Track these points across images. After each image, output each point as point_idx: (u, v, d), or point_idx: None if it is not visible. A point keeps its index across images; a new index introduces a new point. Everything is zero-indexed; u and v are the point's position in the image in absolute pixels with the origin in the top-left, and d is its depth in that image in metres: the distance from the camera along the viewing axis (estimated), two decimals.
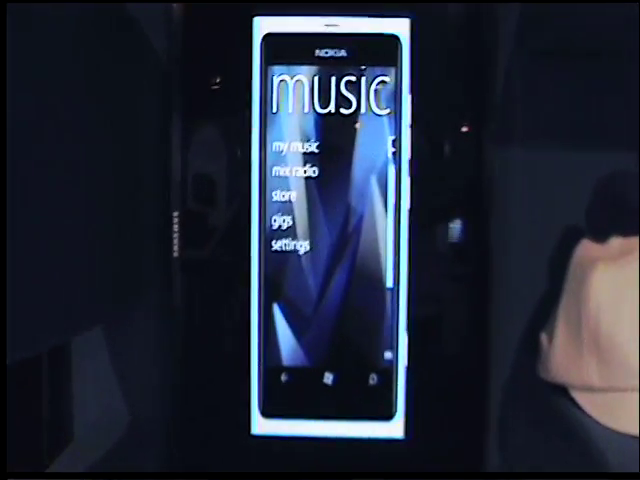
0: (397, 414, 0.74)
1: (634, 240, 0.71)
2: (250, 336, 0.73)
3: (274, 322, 0.73)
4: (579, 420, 0.65)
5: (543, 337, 0.72)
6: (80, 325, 0.70)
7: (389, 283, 0.73)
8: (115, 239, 0.73)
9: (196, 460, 0.77)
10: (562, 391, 0.69)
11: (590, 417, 0.65)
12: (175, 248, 0.74)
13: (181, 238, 0.74)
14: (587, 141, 0.78)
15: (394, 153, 0.73)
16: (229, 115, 0.74)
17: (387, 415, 0.74)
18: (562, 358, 0.69)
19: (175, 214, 0.74)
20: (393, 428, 0.74)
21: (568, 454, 0.68)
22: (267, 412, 0.75)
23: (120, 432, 0.78)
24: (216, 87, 0.74)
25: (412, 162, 0.73)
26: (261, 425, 0.75)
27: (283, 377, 0.74)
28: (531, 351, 0.74)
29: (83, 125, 0.65)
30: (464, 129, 0.75)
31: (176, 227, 0.74)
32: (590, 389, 0.66)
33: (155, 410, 0.79)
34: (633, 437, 0.62)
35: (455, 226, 0.75)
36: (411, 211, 0.73)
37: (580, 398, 0.67)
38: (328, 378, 0.73)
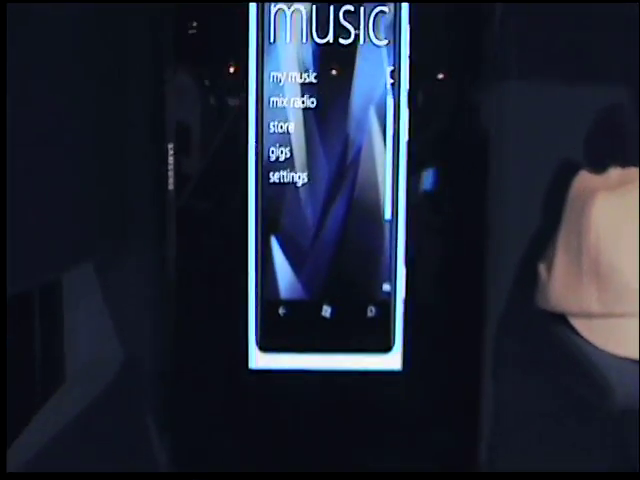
0: (395, 346, 0.74)
1: (633, 170, 0.70)
2: (247, 269, 0.72)
3: (272, 255, 0.72)
4: (579, 347, 0.65)
5: (541, 267, 0.72)
6: (71, 260, 0.69)
7: (387, 215, 0.72)
8: (106, 173, 0.72)
9: (193, 397, 0.76)
10: (561, 319, 0.68)
11: (590, 343, 0.65)
12: (170, 181, 0.73)
13: (176, 170, 0.72)
14: (584, 75, 0.77)
15: (392, 84, 0.71)
16: (226, 45, 0.72)
17: (385, 347, 0.74)
18: (561, 287, 0.68)
19: (170, 146, 0.72)
20: (391, 360, 0.74)
21: (567, 380, 0.68)
22: (265, 346, 0.74)
23: (113, 372, 0.77)
24: (213, 17, 0.72)
25: (411, 94, 0.71)
26: (259, 359, 0.74)
27: (281, 310, 0.73)
28: (528, 282, 0.73)
29: (72, 63, 0.63)
30: (461, 63, 0.74)
31: (171, 160, 0.72)
32: (589, 316, 0.66)
33: (149, 349, 0.78)
34: (633, 361, 0.62)
35: (452, 159, 0.74)
36: (410, 143, 0.72)
37: (579, 325, 0.67)
38: (326, 311, 0.73)
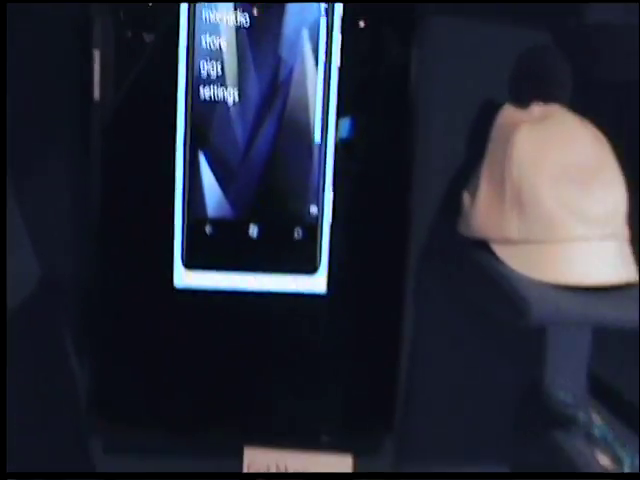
0: (320, 269, 0.74)
1: (555, 107, 0.72)
2: (174, 185, 0.71)
3: (199, 172, 0.71)
4: (499, 271, 0.67)
5: (465, 196, 0.73)
6: None
7: (317, 138, 0.72)
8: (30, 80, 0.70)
9: (119, 314, 0.75)
10: (482, 246, 0.70)
11: (509, 268, 0.66)
12: (96, 89, 0.70)
13: (102, 78, 0.70)
14: (508, 16, 0.77)
15: (327, 8, 0.71)
16: None
17: (311, 269, 0.74)
18: (484, 214, 0.70)
19: (97, 52, 0.70)
20: (316, 282, 0.74)
21: (486, 301, 0.70)
22: (191, 264, 0.73)
23: (30, 290, 0.75)
24: None
25: (344, 18, 0.71)
26: (184, 277, 0.74)
27: (207, 229, 0.72)
28: (452, 210, 0.75)
29: None
30: None
31: (97, 67, 0.70)
32: (510, 242, 0.68)
33: (70, 266, 0.76)
34: (553, 286, 0.64)
35: (381, 87, 0.74)
36: (341, 69, 0.71)
37: (500, 251, 0.68)
38: (253, 231, 0.72)
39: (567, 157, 0.67)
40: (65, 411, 0.79)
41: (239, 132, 0.71)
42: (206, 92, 0.70)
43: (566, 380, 0.84)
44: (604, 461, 0.76)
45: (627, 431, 0.79)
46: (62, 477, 0.61)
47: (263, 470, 0.74)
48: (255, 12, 0.70)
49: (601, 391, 0.84)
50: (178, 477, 0.75)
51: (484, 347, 0.82)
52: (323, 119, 0.72)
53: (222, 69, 0.70)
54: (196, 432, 0.79)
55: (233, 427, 0.78)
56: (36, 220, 0.74)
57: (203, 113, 0.71)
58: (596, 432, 0.79)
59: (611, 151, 0.69)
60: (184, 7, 0.69)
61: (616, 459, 0.76)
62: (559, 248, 0.65)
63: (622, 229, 0.67)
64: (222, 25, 0.70)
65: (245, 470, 0.74)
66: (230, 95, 0.71)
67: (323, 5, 0.71)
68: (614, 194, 0.67)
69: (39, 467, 0.74)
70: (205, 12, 0.70)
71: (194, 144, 0.71)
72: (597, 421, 0.80)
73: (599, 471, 0.74)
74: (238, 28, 0.70)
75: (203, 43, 0.70)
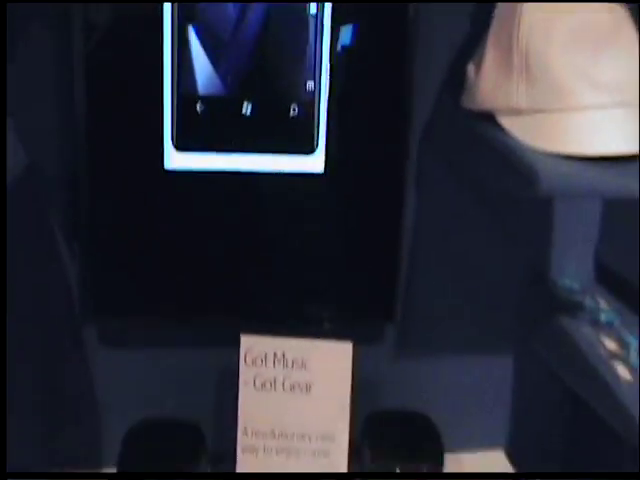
0: (318, 148, 0.70)
1: None
2: (163, 61, 0.67)
3: (189, 46, 0.67)
4: (505, 143, 0.63)
5: (470, 67, 0.69)
6: None
7: (312, 9, 0.67)
8: None
9: (108, 200, 0.72)
10: (488, 118, 0.66)
11: (517, 140, 0.63)
12: None
13: None
14: None
15: None
16: None
17: (308, 148, 0.70)
18: (490, 84, 0.66)
19: None
20: (313, 162, 0.71)
21: (493, 174, 0.66)
22: (181, 145, 0.70)
23: (18, 175, 0.71)
24: None
25: None
26: (175, 159, 0.70)
27: (198, 107, 0.68)
28: (455, 85, 0.71)
29: None
30: None
31: None
32: (517, 112, 0.64)
33: (57, 150, 0.72)
34: (561, 157, 0.60)
35: None
36: None
37: (507, 122, 0.65)
38: (246, 108, 0.69)
39: (578, 22, 0.63)
40: (58, 302, 0.76)
41: (230, 4, 0.67)
42: None
43: (572, 266, 0.81)
44: (610, 345, 0.74)
45: (634, 316, 0.76)
46: (62, 477, 0.59)
47: (261, 358, 0.71)
48: None
49: (607, 278, 0.81)
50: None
51: (488, 231, 0.79)
52: None
53: None
54: (192, 320, 0.77)
55: (230, 314, 0.76)
56: (21, 104, 0.70)
57: None
58: (603, 317, 0.77)
59: (628, 18, 0.64)
60: None
61: (623, 343, 0.73)
62: (568, 117, 0.62)
63: (634, 98, 0.63)
64: None
65: (242, 358, 0.71)
66: None
67: None
68: (627, 61, 0.63)
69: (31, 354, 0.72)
70: None
71: (182, 15, 0.67)
72: (604, 306, 0.78)
73: (605, 355, 0.72)
74: None
75: None
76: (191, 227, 0.73)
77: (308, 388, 0.72)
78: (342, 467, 0.73)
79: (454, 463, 0.78)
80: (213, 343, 0.77)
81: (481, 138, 0.66)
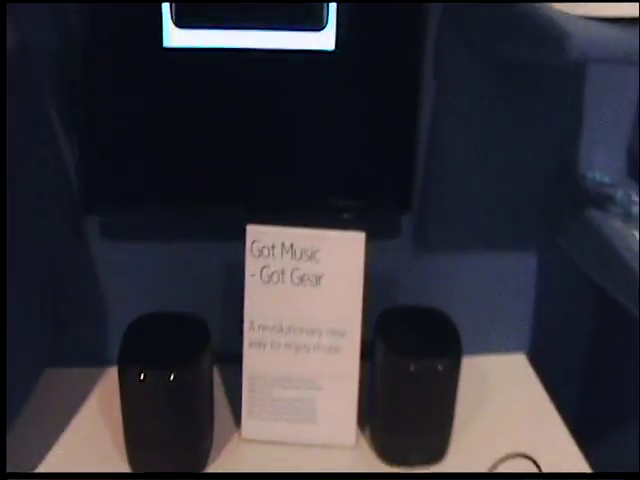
0: (328, 24, 0.65)
1: None
2: None
3: None
4: (536, 10, 0.57)
5: None
6: None
7: None
8: None
9: (106, 83, 0.67)
10: None
11: (548, 5, 0.57)
12: None
13: None
14: None
15: None
16: None
17: (317, 24, 0.65)
18: None
19: None
20: (323, 39, 0.65)
21: (522, 47, 0.60)
22: (181, 21, 0.64)
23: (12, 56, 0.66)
24: None
25: None
26: (175, 37, 0.65)
27: None
28: None
29: None
30: None
31: None
32: None
33: (54, 29, 0.67)
34: (593, 19, 0.54)
35: None
36: None
37: None
38: None
39: None
40: (58, 193, 0.72)
41: None
42: None
43: (602, 158, 0.75)
44: None
45: None
46: (62, 477, 0.56)
47: (268, 248, 0.67)
48: None
49: None
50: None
51: (513, 120, 0.72)
52: None
53: None
54: (197, 210, 0.72)
55: (237, 204, 0.71)
56: None
57: None
58: (635, 210, 0.71)
59: None
60: None
61: None
62: None
63: None
64: None
65: (248, 249, 0.67)
66: None
67: None
68: None
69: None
70: None
71: None
72: (636, 199, 0.72)
73: (636, 248, 0.66)
74: None
75: None
76: (192, 110, 0.68)
77: (318, 280, 0.67)
78: (353, 364, 0.69)
79: (471, 366, 0.74)
80: (219, 235, 0.73)
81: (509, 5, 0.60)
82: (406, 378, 0.67)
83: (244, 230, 0.67)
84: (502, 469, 0.68)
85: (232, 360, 0.70)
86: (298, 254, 0.67)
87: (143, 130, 0.69)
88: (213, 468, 0.69)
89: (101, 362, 0.77)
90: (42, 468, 0.67)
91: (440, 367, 0.67)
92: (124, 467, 0.68)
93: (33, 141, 0.70)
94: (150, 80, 0.67)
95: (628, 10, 0.54)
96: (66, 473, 0.58)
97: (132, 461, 0.68)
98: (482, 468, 0.68)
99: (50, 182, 0.72)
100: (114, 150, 0.69)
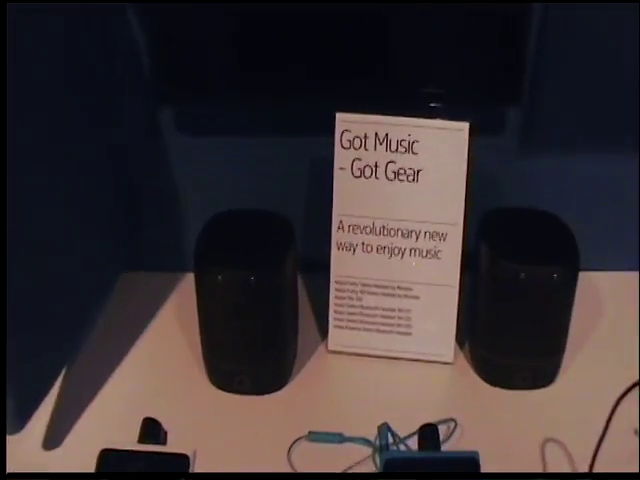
0: None
1: None
2: None
3: None
4: None
5: None
6: None
7: None
8: None
9: None
10: None
11: None
12: None
13: None
14: None
15: None
16: None
17: None
18: None
19: None
20: None
21: None
22: None
23: None
24: None
25: None
26: None
27: None
28: None
29: None
30: None
31: None
32: None
33: None
34: None
35: None
36: None
37: None
38: None
39: None
40: (131, 85, 0.62)
41: None
42: None
43: None
44: None
45: None
46: (62, 477, 0.51)
47: (360, 139, 0.55)
48: None
49: None
50: None
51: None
52: None
53: None
54: (280, 99, 0.61)
55: (325, 94, 0.60)
56: None
57: None
58: None
59: None
60: None
61: None
62: None
63: None
64: None
65: (337, 140, 0.56)
66: None
67: None
68: None
69: None
70: None
71: None
72: None
73: None
74: None
75: None
76: None
77: (416, 176, 0.56)
78: (454, 271, 0.58)
79: (584, 282, 0.60)
80: (304, 127, 0.62)
81: None
82: (515, 288, 0.55)
83: (332, 121, 0.56)
84: (625, 402, 0.56)
85: (318, 265, 0.60)
86: (394, 146, 0.56)
87: (223, 15, 0.58)
88: (297, 382, 0.60)
89: (180, 265, 0.67)
90: (118, 376, 0.61)
91: (555, 276, 0.55)
92: (203, 378, 0.59)
93: (106, 28, 0.60)
94: None
95: None
96: (66, 473, 0.51)
97: (210, 372, 0.59)
98: (595, 396, 0.57)
99: (124, 71, 0.62)
100: (190, 36, 0.59)
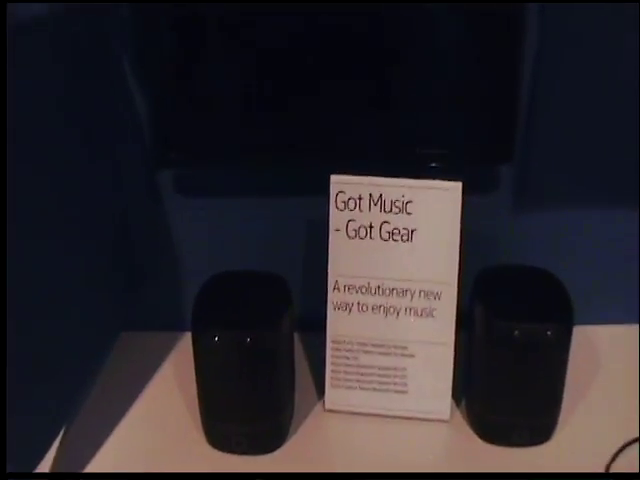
0: None
1: None
2: None
3: None
4: None
5: None
6: None
7: None
8: None
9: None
10: None
11: None
12: None
13: None
14: None
15: None
16: None
17: None
18: None
19: None
20: None
21: None
22: None
23: None
24: None
25: None
26: None
27: None
28: None
29: None
30: None
31: None
32: None
33: None
34: None
35: None
36: None
37: None
38: None
39: None
40: (132, 148, 0.63)
41: None
42: None
43: None
44: None
45: None
46: (62, 477, 0.52)
47: (355, 200, 0.56)
48: None
49: None
50: None
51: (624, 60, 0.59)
52: None
53: None
54: (278, 160, 0.62)
55: (319, 153, 0.60)
56: None
57: None
58: None
59: None
60: None
61: None
62: None
63: None
64: None
65: (333, 201, 0.56)
66: None
67: None
68: None
69: None
70: None
71: None
72: None
73: None
74: None
75: None
76: (275, 58, 0.57)
77: (410, 235, 0.56)
78: (449, 329, 0.58)
79: (580, 336, 0.60)
80: (300, 188, 0.62)
81: None
82: (509, 346, 0.55)
83: (327, 182, 0.57)
84: (622, 457, 0.55)
85: (315, 324, 0.60)
86: (388, 206, 0.56)
87: (221, 79, 0.59)
88: (294, 441, 0.59)
89: (178, 325, 0.67)
90: (116, 435, 0.60)
91: (549, 333, 0.55)
92: (200, 438, 0.58)
93: (107, 92, 0.61)
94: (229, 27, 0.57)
95: None
96: (66, 473, 0.50)
97: (208, 432, 0.58)
98: (593, 452, 0.56)
99: (124, 135, 0.63)
100: (189, 100, 0.60)
